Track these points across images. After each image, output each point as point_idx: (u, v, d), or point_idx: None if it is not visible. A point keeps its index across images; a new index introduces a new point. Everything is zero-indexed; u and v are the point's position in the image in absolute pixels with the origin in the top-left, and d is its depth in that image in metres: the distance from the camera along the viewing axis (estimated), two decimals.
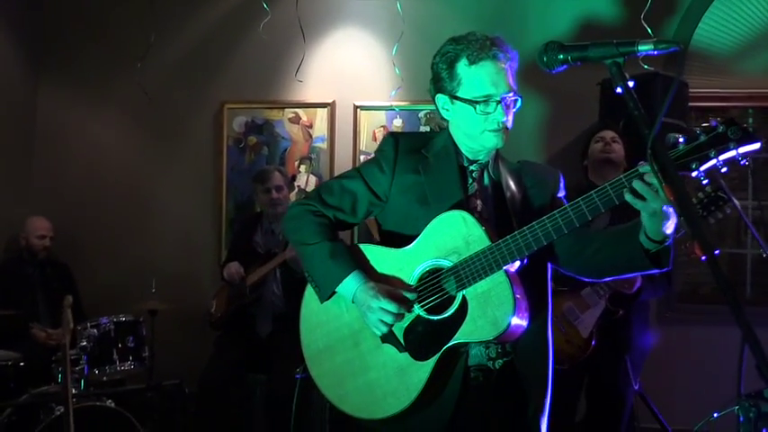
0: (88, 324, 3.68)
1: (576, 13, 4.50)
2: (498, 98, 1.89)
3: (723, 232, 4.73)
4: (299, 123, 4.72)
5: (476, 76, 1.90)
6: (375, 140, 4.64)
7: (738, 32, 4.40)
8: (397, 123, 4.61)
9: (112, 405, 3.37)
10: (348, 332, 2.00)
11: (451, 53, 1.93)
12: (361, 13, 4.67)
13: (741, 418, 2.12)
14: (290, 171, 4.68)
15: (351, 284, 1.95)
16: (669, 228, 1.71)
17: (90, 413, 3.25)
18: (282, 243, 4.06)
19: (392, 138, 2.05)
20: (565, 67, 1.56)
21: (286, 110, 4.73)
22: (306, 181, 4.71)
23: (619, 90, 1.42)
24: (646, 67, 3.72)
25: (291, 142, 4.73)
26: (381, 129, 4.63)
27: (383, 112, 4.62)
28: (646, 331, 3.58)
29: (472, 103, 1.90)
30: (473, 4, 4.58)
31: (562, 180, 2.08)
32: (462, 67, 1.91)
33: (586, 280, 2.06)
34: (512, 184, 2.02)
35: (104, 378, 3.72)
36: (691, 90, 4.09)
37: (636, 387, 3.51)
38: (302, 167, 4.72)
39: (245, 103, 4.76)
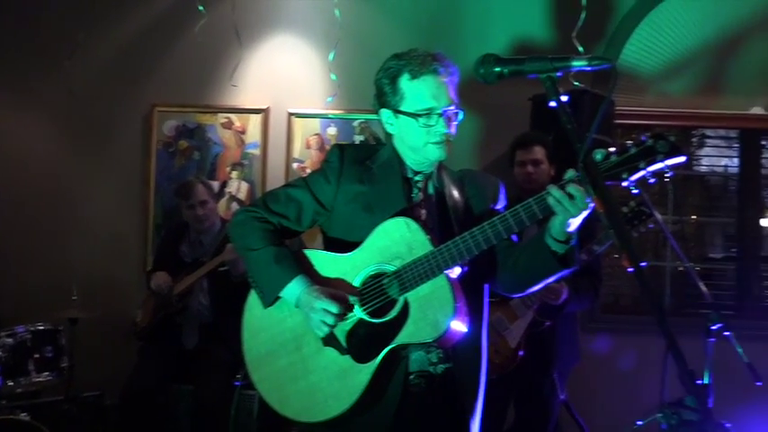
0: (2, 333, 3.51)
1: (510, 28, 4.59)
2: (440, 111, 1.96)
3: (644, 245, 4.90)
4: (231, 129, 4.64)
5: (418, 91, 1.97)
6: (308, 148, 4.61)
7: (662, 55, 4.59)
8: (332, 132, 4.60)
9: (27, 418, 3.24)
10: (290, 336, 2.03)
11: (394, 69, 2.00)
12: (298, 20, 4.64)
13: (663, 426, 2.19)
14: (221, 177, 4.60)
15: (295, 288, 1.98)
16: (572, 226, 1.80)
17: (3, 427, 3.11)
18: (211, 253, 3.97)
19: (338, 149, 2.11)
20: (500, 79, 1.59)
21: (219, 114, 4.64)
22: (237, 187, 4.64)
23: (552, 104, 1.45)
24: (575, 84, 3.83)
25: (223, 148, 4.65)
26: (315, 136, 4.60)
27: (317, 119, 4.59)
28: (572, 342, 3.67)
29: (415, 116, 1.96)
30: (410, 15, 4.61)
31: (503, 190, 2.16)
32: (405, 81, 1.98)
33: (513, 296, 2.14)
34: (455, 193, 2.09)
35: (19, 390, 3.55)
36: (616, 108, 4.23)
37: (562, 397, 3.59)
38: (234, 173, 4.64)
39: (177, 106, 4.65)
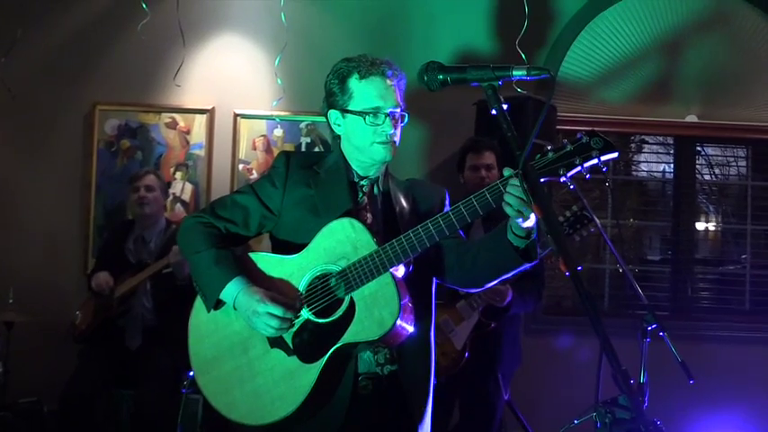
0: None
1: (455, 35, 4.65)
2: (387, 111, 2.01)
3: (584, 248, 5.03)
4: (175, 129, 4.58)
5: (366, 90, 2.02)
6: (254, 149, 4.58)
7: (602, 63, 4.73)
8: (278, 133, 4.58)
9: None
10: (237, 340, 2.02)
11: (344, 69, 2.05)
12: (244, 21, 4.60)
13: (598, 424, 2.26)
14: (165, 178, 4.52)
15: (232, 290, 1.98)
16: (531, 222, 1.84)
17: None
18: (155, 253, 3.92)
19: (284, 155, 2.13)
20: (444, 86, 1.62)
21: (162, 114, 4.57)
22: (181, 189, 4.57)
23: (494, 112, 1.49)
24: (519, 90, 3.91)
25: (167, 148, 4.58)
26: (262, 138, 4.58)
27: (264, 121, 4.57)
28: (516, 344, 3.73)
29: (362, 114, 2.01)
30: (358, 19, 4.63)
31: (448, 198, 2.20)
32: (354, 81, 2.02)
33: (470, 291, 2.18)
34: (401, 198, 2.13)
35: None
36: (558, 114, 4.34)
37: (506, 397, 3.65)
38: (178, 174, 4.57)
39: (119, 104, 4.56)
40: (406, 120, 2.06)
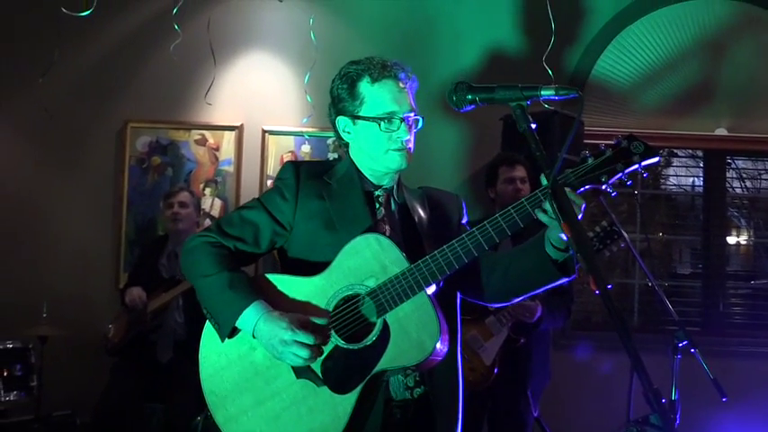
0: None
1: (483, 46, 4.66)
2: (402, 116, 1.90)
3: (613, 263, 4.99)
4: (205, 145, 4.65)
5: (379, 94, 1.90)
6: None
7: (629, 76, 4.70)
8: (306, 150, 4.62)
9: None
10: (258, 371, 1.86)
11: (353, 73, 1.93)
12: (273, 39, 4.66)
13: None
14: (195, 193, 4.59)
15: (251, 316, 1.80)
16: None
17: None
18: None
19: (291, 165, 1.99)
20: (473, 106, 1.63)
21: (192, 131, 4.64)
22: (211, 204, 4.63)
23: (522, 131, 1.50)
24: (546, 106, 3.91)
25: (197, 164, 4.64)
26: (289, 154, 4.62)
27: (291, 137, 4.62)
28: (545, 360, 3.70)
29: (376, 120, 1.89)
30: (385, 36, 4.65)
31: (464, 206, 2.12)
32: (365, 85, 1.92)
33: (495, 306, 2.11)
34: (418, 208, 2.01)
35: None
36: (585, 128, 4.32)
37: (535, 414, 3.62)
38: (207, 190, 4.64)
39: (150, 122, 4.64)
40: (420, 124, 1.94)
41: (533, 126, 1.49)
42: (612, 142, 1.76)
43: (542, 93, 1.50)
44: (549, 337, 3.80)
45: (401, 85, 1.91)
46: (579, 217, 1.67)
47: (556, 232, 1.78)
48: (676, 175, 5.28)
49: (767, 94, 4.71)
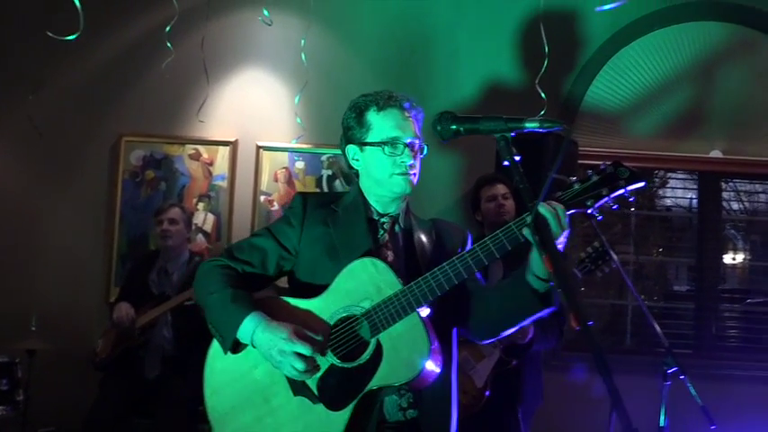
0: None
1: (478, 72, 4.66)
2: (405, 141, 1.99)
3: (607, 284, 4.97)
4: (199, 160, 4.64)
5: (384, 121, 2.00)
6: (276, 181, 4.61)
7: (624, 97, 4.70)
8: (300, 166, 4.61)
9: None
10: (258, 388, 1.94)
11: (361, 103, 2.04)
12: (268, 55, 4.66)
13: None
14: (187, 208, 4.56)
15: (249, 326, 1.89)
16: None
17: None
18: (177, 284, 3.96)
19: (300, 196, 2.10)
20: (457, 137, 1.63)
21: (186, 146, 4.63)
22: (203, 219, 4.61)
23: (506, 163, 1.49)
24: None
25: (190, 179, 4.63)
26: (283, 170, 4.61)
27: (286, 153, 4.61)
28: (537, 381, 3.67)
29: (381, 144, 1.99)
30: (380, 55, 4.66)
31: (470, 239, 2.15)
32: (371, 114, 2.01)
33: (487, 341, 2.11)
34: (423, 237, 2.08)
35: None
36: (580, 148, 4.31)
37: None
38: (200, 205, 4.62)
39: (144, 136, 4.64)
40: (425, 152, 2.04)
41: (517, 158, 1.49)
42: (599, 167, 1.79)
43: (527, 125, 1.51)
44: (540, 357, 3.77)
45: (406, 114, 2.02)
46: (560, 247, 1.71)
47: (537, 262, 1.81)
48: (672, 197, 5.28)
49: (762, 116, 4.71)
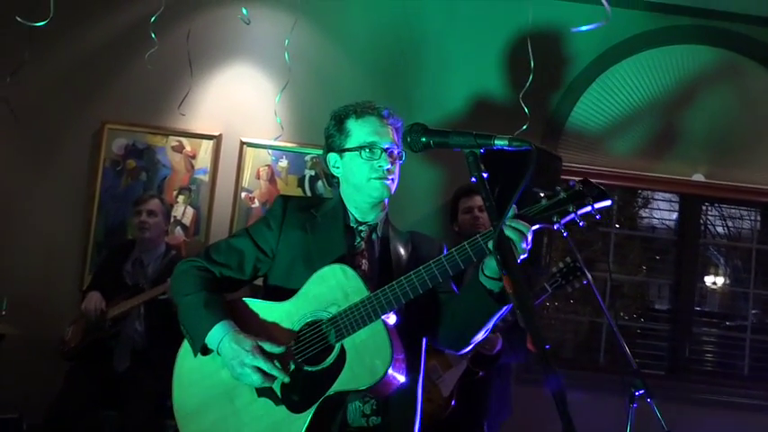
0: None
1: (467, 83, 4.65)
2: (383, 146, 2.02)
3: (585, 299, 4.97)
4: (182, 152, 4.60)
5: (362, 127, 2.05)
6: (258, 178, 4.58)
7: (610, 116, 4.71)
8: (283, 164, 4.58)
9: None
10: (224, 389, 1.98)
11: (341, 112, 2.10)
12: (255, 51, 4.62)
13: None
14: (167, 200, 4.52)
15: (217, 334, 1.94)
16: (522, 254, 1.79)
17: None
18: (152, 277, 3.92)
19: (281, 199, 2.13)
20: (427, 149, 1.62)
21: (170, 137, 4.59)
22: (183, 212, 4.57)
23: (473, 179, 1.48)
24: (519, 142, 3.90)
25: (172, 171, 4.59)
26: (266, 167, 4.58)
27: (270, 151, 4.58)
28: (504, 394, 3.67)
29: (358, 149, 2.02)
30: (367, 57, 4.62)
31: (446, 250, 2.15)
32: (350, 121, 2.07)
33: (459, 352, 2.12)
34: (399, 247, 2.11)
35: None
36: (564, 164, 4.31)
37: None
38: (180, 198, 4.58)
39: (128, 125, 4.59)
40: (404, 158, 2.07)
41: (484, 175, 1.48)
42: (569, 183, 1.81)
43: (496, 142, 1.51)
44: (509, 370, 3.77)
45: (384, 121, 2.07)
46: (520, 253, 1.75)
47: (489, 263, 1.84)
48: (651, 218, 5.29)
49: (746, 142, 4.73)
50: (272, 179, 4.57)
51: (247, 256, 2.07)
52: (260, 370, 1.89)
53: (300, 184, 4.56)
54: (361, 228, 2.08)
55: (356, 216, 2.09)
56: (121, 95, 4.62)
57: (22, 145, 4.59)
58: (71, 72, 4.63)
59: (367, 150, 2.01)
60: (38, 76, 4.53)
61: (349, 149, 2.04)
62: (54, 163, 4.61)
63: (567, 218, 1.78)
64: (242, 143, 4.59)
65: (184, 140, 4.60)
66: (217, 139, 4.59)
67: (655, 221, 5.23)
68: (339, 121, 2.08)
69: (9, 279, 4.39)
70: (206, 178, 4.58)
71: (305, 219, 2.08)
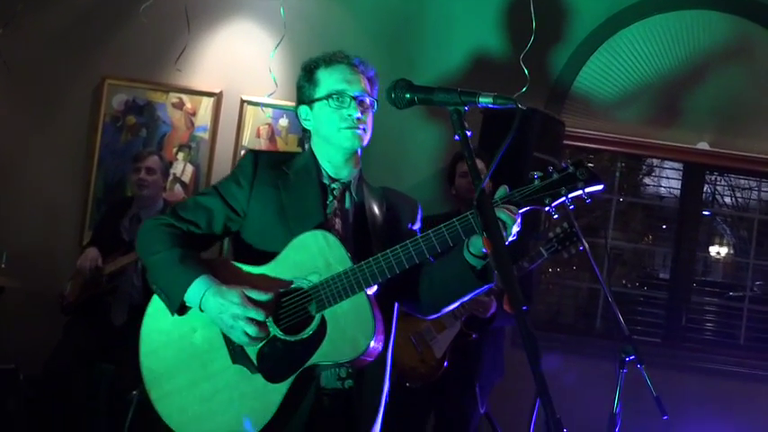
0: None
1: (470, 43, 4.57)
2: (352, 94, 1.95)
3: (583, 265, 4.97)
4: (182, 109, 4.57)
5: (331, 76, 1.97)
6: (258, 137, 4.56)
7: (617, 82, 4.64)
8: (283, 123, 4.55)
9: None
10: (196, 353, 1.90)
11: (311, 63, 2.02)
12: (256, 8, 4.55)
13: None
14: (166, 157, 4.50)
15: (198, 288, 1.84)
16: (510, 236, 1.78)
17: None
18: None
19: (251, 153, 2.04)
20: (411, 106, 1.59)
21: (170, 94, 4.55)
22: (182, 170, 4.56)
23: (456, 137, 1.46)
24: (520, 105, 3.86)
25: (172, 128, 4.56)
26: (266, 126, 4.55)
27: (270, 109, 4.54)
28: (497, 357, 3.69)
29: (326, 98, 1.95)
30: (370, 11, 4.56)
31: (420, 211, 2.14)
32: (320, 71, 1.99)
33: (428, 317, 2.11)
34: (374, 206, 2.04)
35: None
36: (567, 129, 4.26)
37: (482, 410, 3.62)
38: (180, 155, 4.57)
39: (129, 80, 4.55)
40: (375, 108, 1.99)
41: (469, 134, 1.45)
42: (561, 165, 1.81)
43: (481, 100, 1.48)
44: (503, 334, 3.79)
45: (354, 69, 1.99)
46: (509, 236, 1.74)
47: (475, 240, 1.82)
48: (656, 186, 5.25)
49: (753, 112, 4.66)
50: (271, 138, 4.55)
51: (216, 214, 1.97)
52: (253, 320, 1.80)
53: (301, 143, 4.53)
54: (333, 185, 2.00)
55: (329, 172, 2.00)
56: (121, 50, 4.57)
57: (20, 100, 4.56)
58: (69, 25, 4.56)
59: (335, 99, 1.93)
60: (34, 29, 4.48)
61: (318, 99, 1.96)
62: (55, 117, 4.58)
63: (559, 200, 1.78)
64: (242, 101, 4.55)
65: (185, 97, 4.56)
66: (217, 97, 4.55)
67: (662, 190, 5.19)
68: (309, 71, 2.00)
69: (9, 232, 4.41)
70: (206, 136, 4.56)
71: (277, 176, 1.98)
